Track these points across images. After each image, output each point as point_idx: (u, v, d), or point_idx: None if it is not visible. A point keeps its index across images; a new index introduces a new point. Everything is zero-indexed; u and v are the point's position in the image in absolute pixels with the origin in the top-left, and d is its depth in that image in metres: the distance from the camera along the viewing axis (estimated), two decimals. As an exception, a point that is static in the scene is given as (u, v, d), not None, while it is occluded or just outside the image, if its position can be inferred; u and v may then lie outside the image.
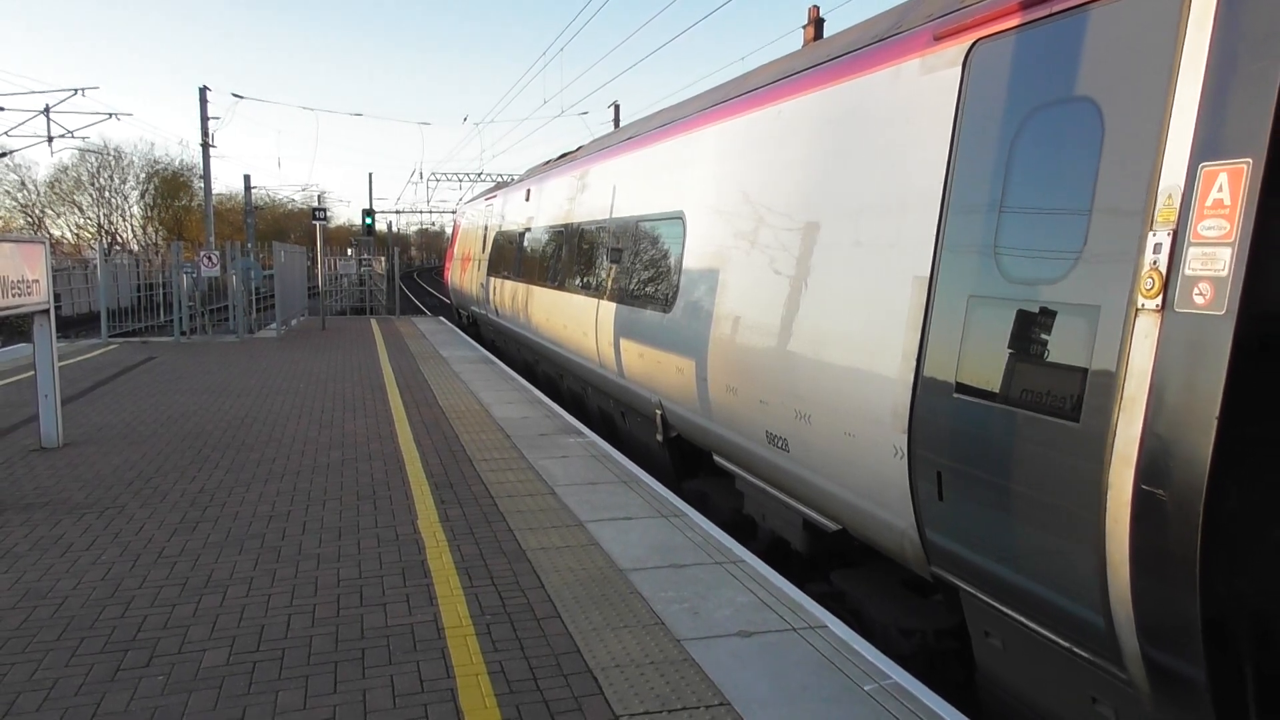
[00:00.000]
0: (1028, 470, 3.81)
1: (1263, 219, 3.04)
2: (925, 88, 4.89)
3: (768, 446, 6.22)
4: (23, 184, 57.96)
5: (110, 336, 19.40)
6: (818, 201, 5.82)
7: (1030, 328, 3.88)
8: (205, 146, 33.76)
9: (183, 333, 19.58)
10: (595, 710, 3.87)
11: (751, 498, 6.93)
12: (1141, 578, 3.31)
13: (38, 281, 8.37)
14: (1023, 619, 4.05)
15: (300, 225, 69.15)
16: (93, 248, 50.04)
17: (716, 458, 7.51)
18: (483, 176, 57.33)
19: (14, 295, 7.91)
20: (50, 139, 28.76)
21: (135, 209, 63.33)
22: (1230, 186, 3.17)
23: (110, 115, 30.22)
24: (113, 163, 60.31)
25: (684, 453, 8.40)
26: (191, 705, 3.89)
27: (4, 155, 37.40)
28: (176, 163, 64.12)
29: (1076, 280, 3.67)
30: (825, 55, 6.20)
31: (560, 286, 12.33)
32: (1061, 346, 3.71)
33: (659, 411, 8.42)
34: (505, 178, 41.83)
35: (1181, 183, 3.31)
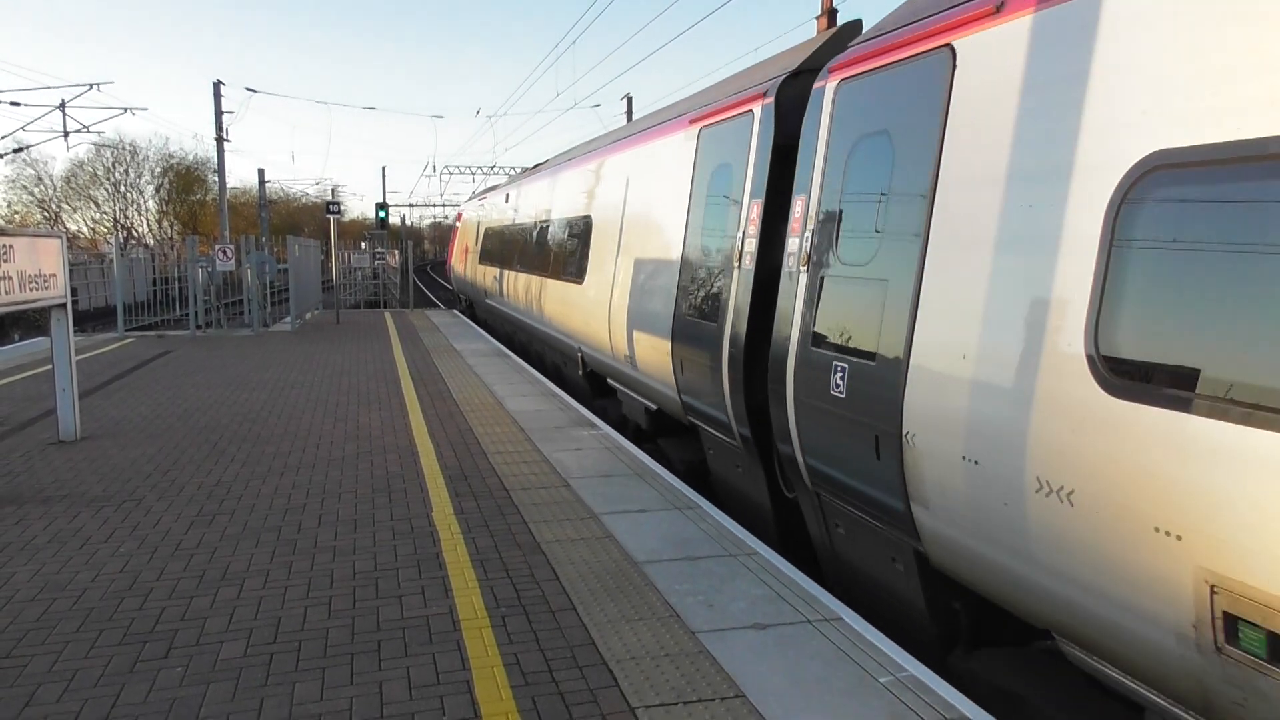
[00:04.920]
0: (705, 349, 7.46)
1: (764, 226, 6.74)
2: (685, 149, 8.68)
3: (627, 365, 9.80)
4: (39, 179, 58.42)
5: (126, 330, 19.55)
6: (648, 212, 9.57)
7: (709, 280, 7.59)
8: (220, 141, 33.92)
9: (198, 327, 19.68)
10: (611, 702, 3.87)
11: (625, 402, 10.48)
12: (732, 393, 6.96)
13: (55, 276, 8.43)
14: (713, 431, 7.66)
15: (314, 219, 69.40)
16: (109, 242, 50.37)
17: (609, 380, 11.02)
18: (496, 169, 57.32)
19: (32, 289, 7.97)
20: (66, 134, 28.91)
21: (150, 203, 63.75)
22: (755, 212, 6.85)
23: (125, 110, 30.44)
24: (128, 157, 60.75)
25: (596, 383, 11.80)
26: (210, 696, 3.92)
27: (21, 150, 37.64)
28: (191, 157, 64.55)
29: (721, 255, 7.40)
30: (654, 122, 10.36)
31: (524, 270, 16.24)
32: (715, 288, 7.39)
33: (579, 354, 12.12)
34: (516, 170, 41.81)
35: (747, 208, 7.00)
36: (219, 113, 33.59)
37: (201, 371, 13.68)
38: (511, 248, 18.15)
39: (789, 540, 6.99)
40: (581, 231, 12.32)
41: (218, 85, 33.45)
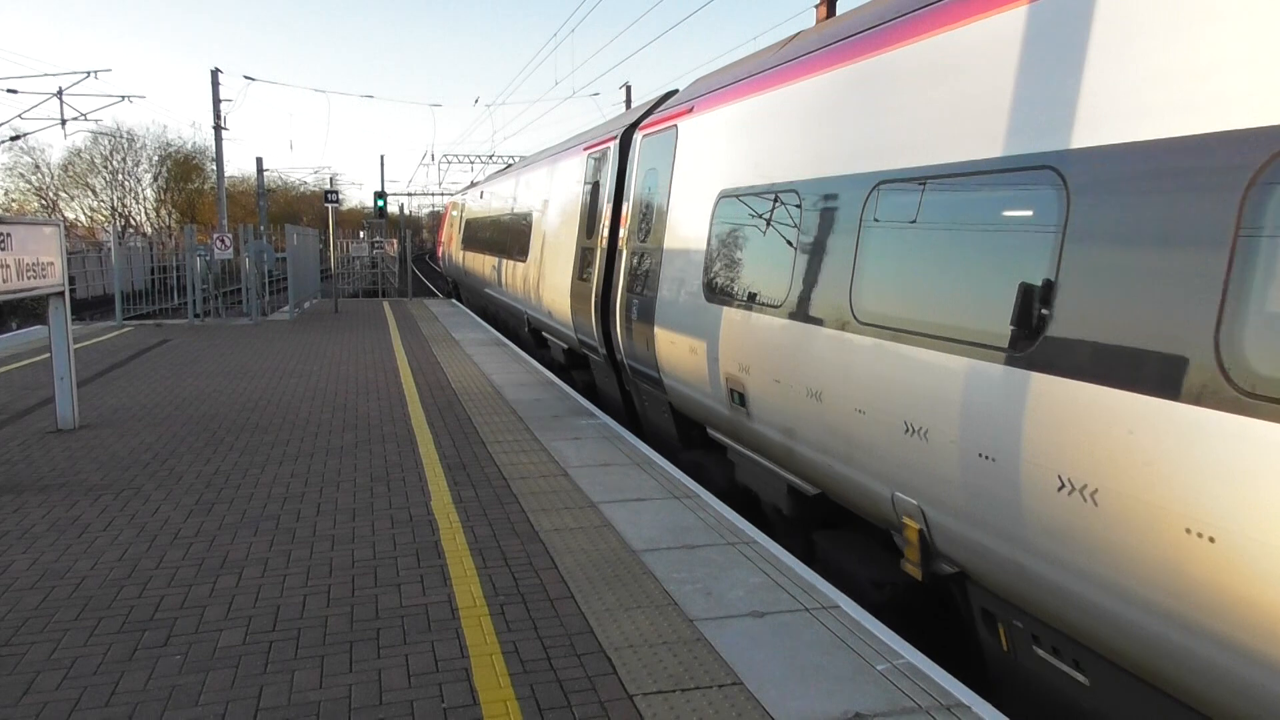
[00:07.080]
0: (585, 301, 11.10)
1: (613, 220, 10.68)
2: (580, 168, 12.65)
3: (549, 318, 13.59)
4: (36, 167, 58.12)
5: (125, 319, 19.51)
6: (562, 209, 13.41)
7: (588, 256, 11.31)
8: (218, 129, 33.76)
9: (197, 315, 19.66)
10: (609, 689, 3.89)
11: (552, 347, 14.23)
12: (596, 327, 10.81)
13: (52, 264, 8.41)
14: (593, 355, 11.37)
15: (312, 208, 69.18)
16: (106, 230, 50.23)
17: (544, 334, 14.75)
18: (494, 158, 57.18)
19: (29, 278, 7.95)
20: (63, 122, 28.77)
21: (148, 192, 63.42)
22: (608, 211, 10.85)
23: (123, 98, 30.21)
24: (125, 145, 60.36)
25: (537, 337, 15.42)
26: (209, 684, 3.93)
27: (18, 138, 37.51)
28: (189, 145, 64.11)
29: (594, 239, 11.19)
30: (563, 147, 14.90)
31: (489, 253, 20.71)
32: (591, 261, 11.15)
33: (525, 315, 15.98)
34: (514, 159, 41.70)
35: (605, 209, 10.90)
36: (217, 101, 33.43)
37: (200, 360, 13.67)
38: (480, 235, 22.99)
39: (633, 419, 10.72)
40: (525, 223, 16.77)
41: (215, 73, 33.29)
